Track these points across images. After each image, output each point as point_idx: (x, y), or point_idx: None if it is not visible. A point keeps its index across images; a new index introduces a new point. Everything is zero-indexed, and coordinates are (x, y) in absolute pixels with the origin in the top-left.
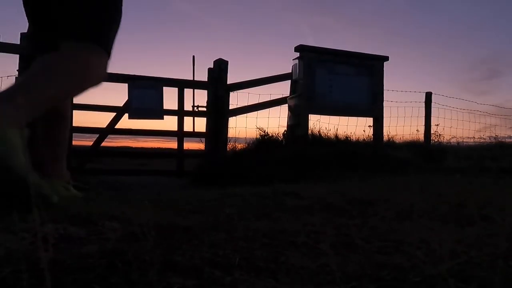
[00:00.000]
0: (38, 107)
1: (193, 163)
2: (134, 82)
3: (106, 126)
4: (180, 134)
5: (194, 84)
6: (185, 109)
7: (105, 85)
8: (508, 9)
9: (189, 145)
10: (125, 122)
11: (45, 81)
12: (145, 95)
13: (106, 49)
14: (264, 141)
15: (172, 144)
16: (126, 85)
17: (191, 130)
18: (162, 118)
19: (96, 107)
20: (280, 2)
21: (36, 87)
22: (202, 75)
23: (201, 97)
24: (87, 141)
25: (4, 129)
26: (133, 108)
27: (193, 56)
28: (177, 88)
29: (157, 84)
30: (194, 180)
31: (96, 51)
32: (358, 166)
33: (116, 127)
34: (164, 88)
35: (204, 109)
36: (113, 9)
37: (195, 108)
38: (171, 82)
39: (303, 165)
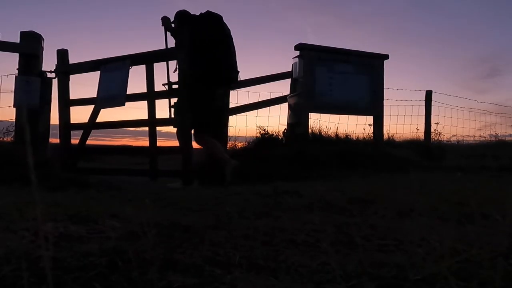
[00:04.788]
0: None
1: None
2: (105, 66)
3: (88, 121)
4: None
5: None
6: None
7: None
8: (509, 7)
9: None
10: (116, 114)
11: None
12: (112, 80)
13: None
14: (264, 140)
15: (172, 142)
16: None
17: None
18: (123, 105)
19: (92, 100)
20: (280, 1)
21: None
22: None
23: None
24: (88, 139)
25: None
26: (99, 97)
27: (164, 17)
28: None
29: (123, 64)
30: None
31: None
32: (358, 165)
33: (100, 121)
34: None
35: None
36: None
37: (169, 85)
38: (142, 57)
39: (303, 163)
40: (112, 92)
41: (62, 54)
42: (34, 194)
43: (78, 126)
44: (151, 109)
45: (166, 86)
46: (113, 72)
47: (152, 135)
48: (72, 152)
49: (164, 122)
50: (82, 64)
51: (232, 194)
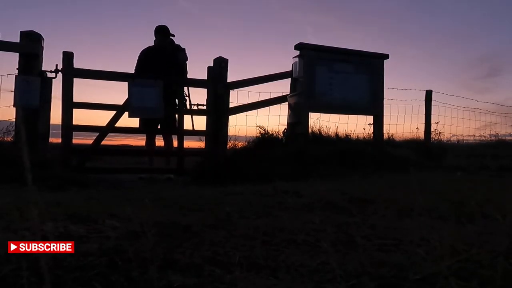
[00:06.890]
0: None
1: (193, 162)
2: (133, 80)
3: (106, 125)
4: (180, 132)
5: (194, 83)
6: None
7: (105, 83)
8: (509, 7)
9: (188, 143)
10: (125, 121)
11: None
12: (144, 93)
13: None
14: (264, 139)
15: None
16: (125, 83)
17: (190, 128)
18: (162, 116)
19: (97, 105)
20: (280, 1)
21: None
22: (201, 73)
23: (198, 96)
24: (88, 139)
25: None
26: (133, 107)
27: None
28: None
29: (156, 82)
30: (195, 179)
31: None
32: (358, 164)
33: (116, 125)
34: None
35: (204, 107)
36: None
37: (195, 106)
38: (171, 81)
39: (303, 163)
40: (148, 105)
41: (68, 56)
42: (31, 194)
43: (93, 128)
44: (180, 121)
45: (194, 106)
46: (145, 87)
47: (181, 141)
48: (79, 152)
49: (190, 133)
50: (91, 71)
51: (232, 194)
